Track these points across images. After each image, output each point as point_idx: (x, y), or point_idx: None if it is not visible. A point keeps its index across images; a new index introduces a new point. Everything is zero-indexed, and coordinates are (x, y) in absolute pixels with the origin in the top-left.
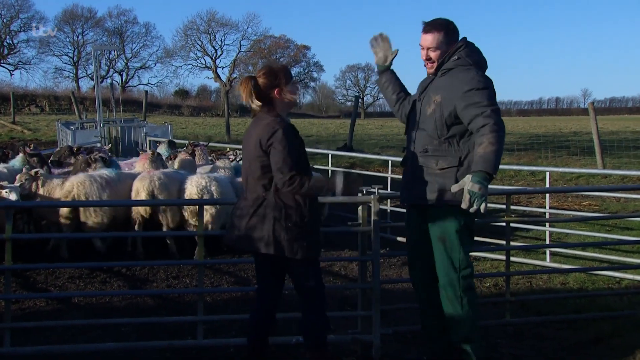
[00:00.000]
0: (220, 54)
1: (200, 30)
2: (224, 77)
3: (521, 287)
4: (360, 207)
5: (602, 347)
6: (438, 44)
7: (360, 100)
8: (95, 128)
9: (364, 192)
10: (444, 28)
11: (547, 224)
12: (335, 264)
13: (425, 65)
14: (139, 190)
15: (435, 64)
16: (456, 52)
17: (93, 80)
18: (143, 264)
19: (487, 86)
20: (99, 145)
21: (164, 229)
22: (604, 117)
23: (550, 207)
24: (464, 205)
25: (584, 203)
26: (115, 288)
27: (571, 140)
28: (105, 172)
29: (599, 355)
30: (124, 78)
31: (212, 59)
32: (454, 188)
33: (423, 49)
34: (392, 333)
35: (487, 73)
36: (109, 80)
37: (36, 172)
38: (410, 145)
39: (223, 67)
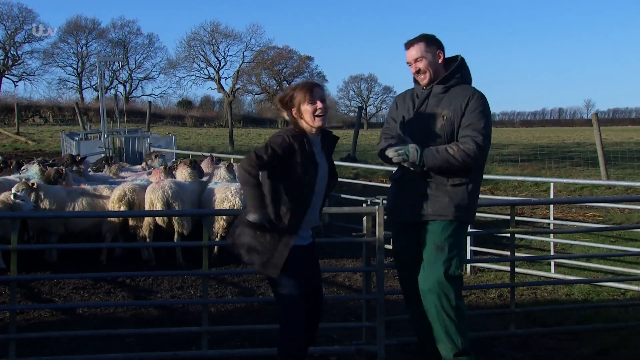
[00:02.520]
0: (224, 65)
1: (203, 41)
2: (227, 88)
3: (526, 298)
4: (364, 218)
5: (608, 359)
6: (422, 53)
7: (363, 110)
8: (100, 139)
9: (369, 202)
10: (422, 39)
11: (552, 235)
12: (339, 274)
13: (418, 78)
14: (154, 201)
15: (427, 74)
16: (458, 70)
17: (97, 91)
18: (147, 274)
19: (487, 114)
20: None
21: (175, 237)
22: (607, 127)
23: (554, 218)
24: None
25: (588, 214)
26: (119, 299)
27: (575, 151)
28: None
29: None
30: (127, 89)
31: (215, 69)
32: (389, 153)
33: (410, 64)
34: (396, 344)
35: (490, 83)
36: (112, 91)
37: (32, 183)
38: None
39: (226, 78)
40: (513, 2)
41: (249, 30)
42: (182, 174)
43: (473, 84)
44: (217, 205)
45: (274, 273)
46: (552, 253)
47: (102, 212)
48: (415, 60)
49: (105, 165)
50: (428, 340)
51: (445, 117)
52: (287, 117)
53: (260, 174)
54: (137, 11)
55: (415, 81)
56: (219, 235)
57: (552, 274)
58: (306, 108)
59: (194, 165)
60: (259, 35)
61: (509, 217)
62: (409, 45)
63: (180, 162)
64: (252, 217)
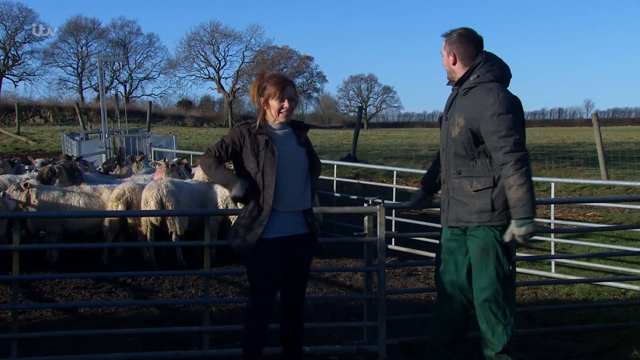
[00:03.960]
0: (224, 65)
1: (203, 41)
2: (227, 88)
3: (526, 298)
4: (366, 218)
5: (608, 358)
6: (441, 50)
7: (363, 110)
8: (100, 139)
9: (370, 202)
10: (445, 36)
11: (552, 235)
12: (340, 274)
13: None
14: (148, 199)
15: (449, 73)
16: (475, 69)
17: (97, 91)
18: (149, 274)
19: (509, 110)
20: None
21: (173, 237)
22: (607, 127)
23: (554, 218)
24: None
25: (588, 214)
26: (120, 298)
27: (575, 151)
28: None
29: None
30: (127, 89)
31: (215, 69)
32: (506, 238)
33: None
34: (398, 344)
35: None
36: (113, 91)
37: (25, 184)
38: (444, 167)
39: (226, 78)
40: (512, 2)
41: (249, 30)
42: (199, 174)
43: None
44: (221, 204)
45: (247, 249)
46: (552, 253)
47: (98, 212)
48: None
49: (117, 165)
50: (444, 339)
51: (460, 125)
52: (255, 103)
53: (226, 165)
54: (137, 11)
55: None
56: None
57: (553, 273)
58: (273, 103)
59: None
60: (259, 35)
61: None
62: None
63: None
64: (234, 191)
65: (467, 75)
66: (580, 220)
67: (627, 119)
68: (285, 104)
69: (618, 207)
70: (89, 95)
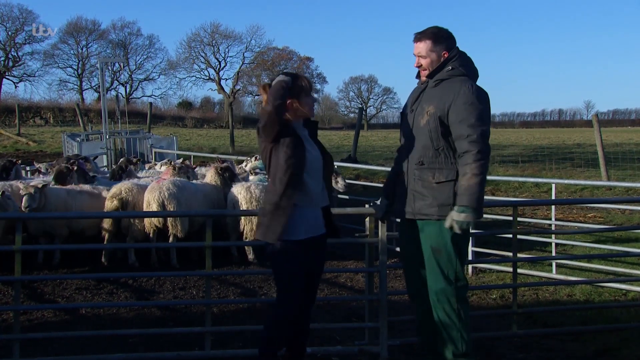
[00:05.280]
0: (224, 66)
1: (203, 42)
2: (227, 89)
3: (527, 299)
4: (367, 219)
5: (610, 359)
6: (427, 52)
7: (363, 112)
8: (101, 140)
9: (372, 204)
10: (432, 36)
11: (553, 236)
12: (341, 275)
13: (417, 74)
14: (150, 201)
15: (427, 72)
16: (449, 62)
17: (98, 92)
18: (150, 274)
19: (481, 101)
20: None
21: (171, 239)
22: (607, 129)
23: (555, 219)
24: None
25: (589, 215)
26: (122, 299)
27: (575, 152)
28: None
29: None
30: (127, 90)
31: (215, 70)
32: (446, 224)
33: (415, 57)
34: (399, 344)
35: (490, 85)
36: (113, 92)
37: (43, 185)
38: (404, 158)
39: (227, 79)
40: (512, 2)
41: (249, 31)
42: (212, 176)
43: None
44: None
45: (273, 238)
46: (553, 254)
47: (102, 213)
48: (419, 56)
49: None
50: (428, 339)
51: (429, 113)
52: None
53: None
54: (138, 12)
55: (418, 75)
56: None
57: (554, 274)
58: (307, 100)
59: (226, 169)
60: (259, 36)
61: (510, 218)
62: (417, 38)
63: (213, 166)
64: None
65: (440, 67)
66: (580, 222)
67: (627, 120)
68: (312, 100)
69: (618, 209)
70: (89, 97)
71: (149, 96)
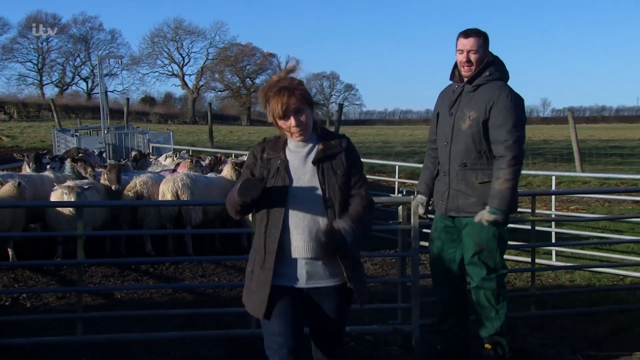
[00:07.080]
0: (188, 62)
1: (167, 37)
2: (191, 85)
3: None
4: (400, 207)
5: (621, 338)
6: (478, 48)
7: (325, 108)
8: (98, 135)
9: (404, 193)
10: (482, 34)
11: (553, 224)
12: (368, 263)
13: (462, 68)
14: (165, 192)
15: (473, 67)
16: (487, 67)
17: (58, 87)
18: (189, 259)
19: (518, 108)
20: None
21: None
22: (563, 126)
23: (539, 210)
24: None
25: (572, 207)
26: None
27: (544, 148)
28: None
29: (618, 345)
30: (89, 85)
31: (179, 66)
32: (476, 219)
33: (462, 52)
34: (430, 324)
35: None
36: (73, 87)
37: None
38: (446, 159)
39: (190, 75)
40: (469, 2)
41: (213, 27)
42: (228, 171)
43: None
44: None
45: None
46: (553, 241)
47: (153, 202)
48: (470, 51)
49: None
50: (460, 319)
51: (471, 118)
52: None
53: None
54: (99, 7)
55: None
56: None
57: (554, 262)
58: (281, 124)
59: (242, 164)
60: (223, 32)
61: (529, 210)
62: (468, 34)
63: (230, 161)
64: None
65: (479, 72)
66: (571, 213)
67: (582, 117)
68: (292, 121)
69: (598, 201)
70: (49, 91)
71: (111, 91)
